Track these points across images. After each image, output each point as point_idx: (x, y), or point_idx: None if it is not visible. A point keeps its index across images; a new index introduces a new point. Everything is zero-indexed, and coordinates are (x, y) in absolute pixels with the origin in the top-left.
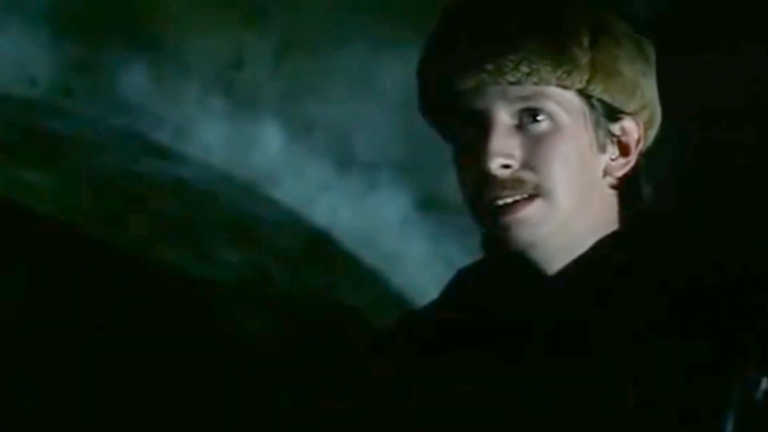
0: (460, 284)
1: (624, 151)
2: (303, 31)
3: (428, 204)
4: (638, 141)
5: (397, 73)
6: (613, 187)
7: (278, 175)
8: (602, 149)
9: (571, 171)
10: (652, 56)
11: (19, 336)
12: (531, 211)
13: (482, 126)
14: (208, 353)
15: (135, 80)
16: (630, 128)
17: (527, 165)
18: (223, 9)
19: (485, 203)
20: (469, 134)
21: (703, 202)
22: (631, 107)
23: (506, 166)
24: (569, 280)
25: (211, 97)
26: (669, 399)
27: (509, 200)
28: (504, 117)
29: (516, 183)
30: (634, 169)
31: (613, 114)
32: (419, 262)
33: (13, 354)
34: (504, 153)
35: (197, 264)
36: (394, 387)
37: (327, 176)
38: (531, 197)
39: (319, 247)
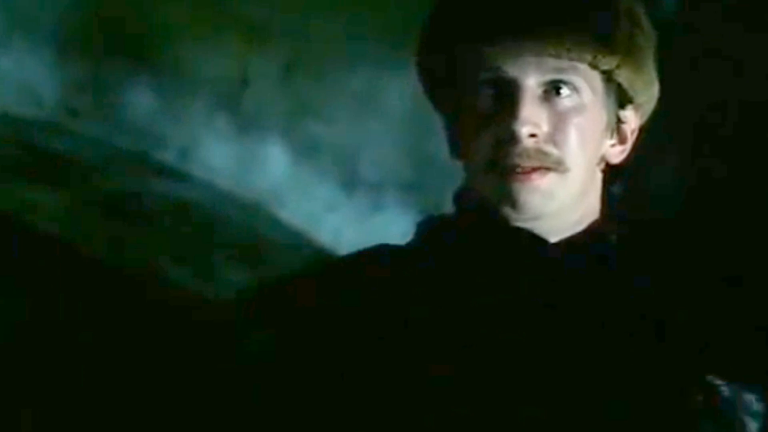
0: (437, 236)
1: (622, 138)
2: (308, 51)
3: None
4: (633, 131)
5: (402, 93)
6: (602, 171)
7: (283, 195)
8: (611, 133)
9: (588, 151)
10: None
11: (20, 355)
12: (546, 182)
13: (507, 93)
14: (210, 374)
15: (140, 100)
16: (631, 118)
17: (551, 139)
18: (227, 29)
19: (500, 168)
20: (487, 101)
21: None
22: (641, 99)
23: (533, 135)
24: (568, 252)
25: (216, 117)
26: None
27: (528, 166)
28: (533, 86)
29: (539, 154)
30: (624, 161)
31: (624, 101)
32: None
33: (13, 373)
34: (533, 122)
35: (202, 284)
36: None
37: (332, 196)
38: (547, 169)
39: None
